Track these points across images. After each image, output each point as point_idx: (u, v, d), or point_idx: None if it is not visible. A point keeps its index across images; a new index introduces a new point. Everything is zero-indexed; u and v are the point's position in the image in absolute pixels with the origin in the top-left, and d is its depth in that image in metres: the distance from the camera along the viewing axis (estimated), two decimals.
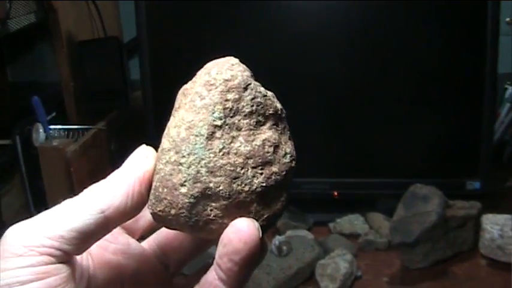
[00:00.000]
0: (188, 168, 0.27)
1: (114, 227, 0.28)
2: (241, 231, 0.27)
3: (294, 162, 0.29)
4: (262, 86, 0.29)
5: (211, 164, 0.27)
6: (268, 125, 0.29)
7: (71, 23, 1.20)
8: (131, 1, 1.01)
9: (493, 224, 0.87)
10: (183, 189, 0.27)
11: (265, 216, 0.28)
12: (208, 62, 0.29)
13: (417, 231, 0.84)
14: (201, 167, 0.27)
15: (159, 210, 0.28)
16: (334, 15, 0.98)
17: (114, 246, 0.31)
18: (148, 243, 0.33)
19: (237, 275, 0.27)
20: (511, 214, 0.88)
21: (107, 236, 0.31)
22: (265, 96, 0.29)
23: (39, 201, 1.04)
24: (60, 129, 1.06)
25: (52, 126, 1.04)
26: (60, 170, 1.00)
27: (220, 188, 0.27)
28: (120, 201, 0.27)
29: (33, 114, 1.03)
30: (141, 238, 0.34)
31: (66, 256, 0.26)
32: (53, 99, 1.21)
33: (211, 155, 0.27)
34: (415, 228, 0.84)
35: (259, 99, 0.28)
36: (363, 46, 0.98)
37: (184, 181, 0.27)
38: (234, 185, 0.27)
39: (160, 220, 0.29)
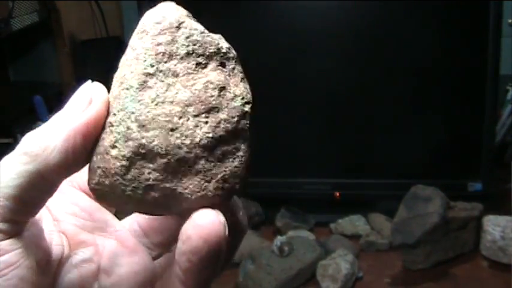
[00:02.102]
0: (118, 126, 0.23)
1: (59, 183, 0.25)
2: (200, 226, 0.22)
3: (247, 106, 0.24)
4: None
5: (143, 117, 0.23)
6: (211, 66, 0.24)
7: (73, 23, 1.20)
8: (134, 1, 1.01)
9: (495, 226, 0.87)
10: (114, 151, 0.23)
11: (219, 176, 0.23)
12: None
13: (418, 232, 0.84)
14: (132, 122, 0.23)
15: (95, 184, 0.24)
16: (335, 15, 0.98)
17: (90, 224, 0.29)
18: (129, 223, 0.30)
19: (196, 278, 0.23)
20: None
21: (83, 214, 0.29)
22: (203, 33, 0.25)
23: None
24: None
25: None
26: None
27: (155, 142, 0.23)
28: (59, 159, 0.23)
29: (35, 113, 1.03)
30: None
31: (15, 227, 0.23)
32: (54, 98, 1.21)
33: (142, 107, 0.23)
34: (417, 230, 0.84)
35: (195, 37, 0.24)
36: (364, 46, 0.98)
37: (115, 142, 0.23)
38: (172, 138, 0.23)
39: (100, 196, 0.25)
